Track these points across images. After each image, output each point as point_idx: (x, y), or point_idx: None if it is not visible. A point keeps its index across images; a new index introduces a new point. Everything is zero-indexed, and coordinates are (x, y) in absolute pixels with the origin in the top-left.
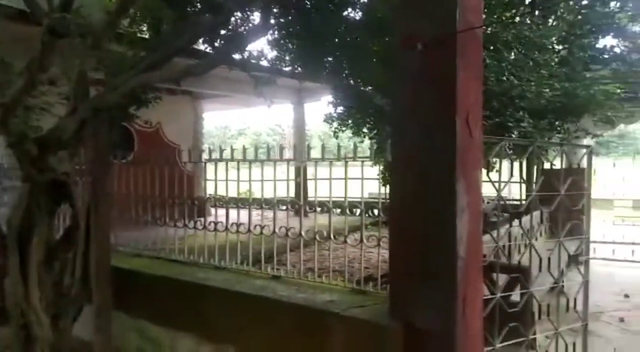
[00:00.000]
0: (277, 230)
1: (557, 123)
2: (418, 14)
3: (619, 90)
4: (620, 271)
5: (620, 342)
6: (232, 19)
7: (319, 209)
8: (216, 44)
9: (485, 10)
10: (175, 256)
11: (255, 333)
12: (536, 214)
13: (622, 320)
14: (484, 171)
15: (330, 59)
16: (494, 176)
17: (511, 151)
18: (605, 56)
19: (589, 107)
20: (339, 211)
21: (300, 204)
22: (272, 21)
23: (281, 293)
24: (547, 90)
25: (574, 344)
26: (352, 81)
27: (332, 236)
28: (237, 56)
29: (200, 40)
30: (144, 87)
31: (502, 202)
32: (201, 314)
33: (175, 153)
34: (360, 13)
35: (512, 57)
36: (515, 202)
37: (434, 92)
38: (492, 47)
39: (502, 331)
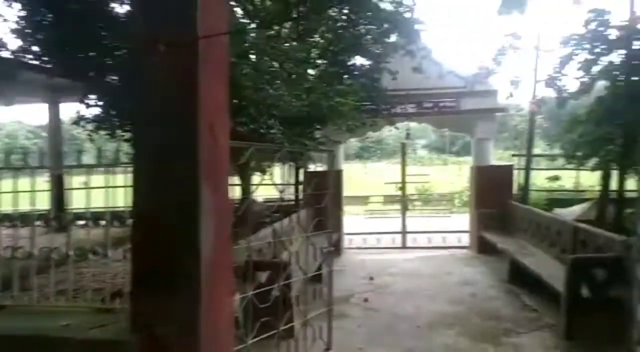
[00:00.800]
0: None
1: (306, 131)
2: (159, 15)
3: (358, 103)
4: (369, 257)
5: (364, 320)
6: None
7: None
8: None
9: (256, 22)
10: None
11: None
12: (301, 212)
13: (366, 300)
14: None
15: (83, 54)
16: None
17: (280, 157)
18: (356, 73)
19: (331, 116)
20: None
21: (30, 219)
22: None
23: (2, 326)
24: (295, 100)
25: (321, 327)
26: (109, 80)
27: (70, 254)
28: None
29: None
30: None
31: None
32: None
33: None
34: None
35: (273, 68)
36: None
37: (177, 97)
38: (253, 57)
39: (254, 326)
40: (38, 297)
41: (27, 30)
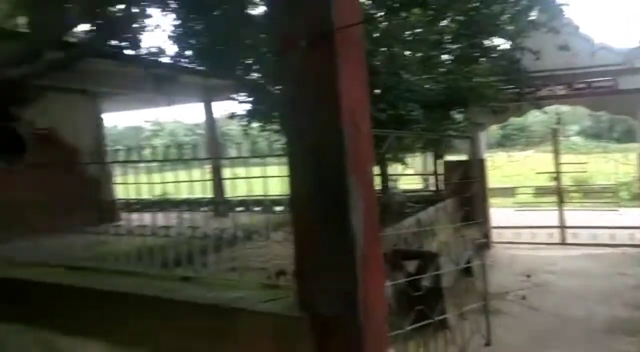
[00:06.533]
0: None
1: (447, 114)
2: (295, 12)
3: (495, 82)
4: (522, 253)
5: (523, 319)
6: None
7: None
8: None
9: (383, 10)
10: (79, 263)
11: (164, 335)
12: (446, 203)
13: (524, 298)
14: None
15: (232, 56)
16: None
17: (420, 145)
18: (493, 54)
19: (471, 98)
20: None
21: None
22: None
23: (189, 294)
24: (431, 84)
25: (477, 322)
26: (256, 78)
27: (238, 235)
28: (132, 52)
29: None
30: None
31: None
32: (111, 320)
33: (74, 155)
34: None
35: (408, 53)
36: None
37: (317, 91)
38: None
39: (409, 314)
40: (214, 271)
41: (181, 37)
